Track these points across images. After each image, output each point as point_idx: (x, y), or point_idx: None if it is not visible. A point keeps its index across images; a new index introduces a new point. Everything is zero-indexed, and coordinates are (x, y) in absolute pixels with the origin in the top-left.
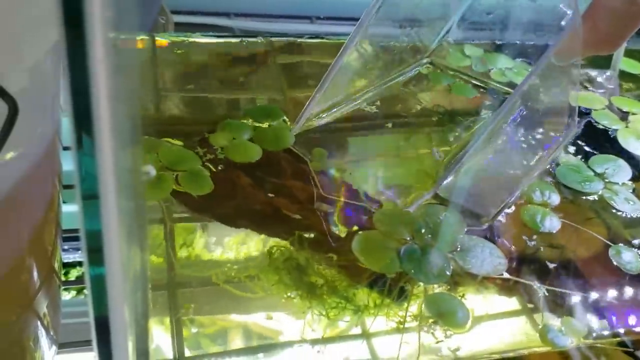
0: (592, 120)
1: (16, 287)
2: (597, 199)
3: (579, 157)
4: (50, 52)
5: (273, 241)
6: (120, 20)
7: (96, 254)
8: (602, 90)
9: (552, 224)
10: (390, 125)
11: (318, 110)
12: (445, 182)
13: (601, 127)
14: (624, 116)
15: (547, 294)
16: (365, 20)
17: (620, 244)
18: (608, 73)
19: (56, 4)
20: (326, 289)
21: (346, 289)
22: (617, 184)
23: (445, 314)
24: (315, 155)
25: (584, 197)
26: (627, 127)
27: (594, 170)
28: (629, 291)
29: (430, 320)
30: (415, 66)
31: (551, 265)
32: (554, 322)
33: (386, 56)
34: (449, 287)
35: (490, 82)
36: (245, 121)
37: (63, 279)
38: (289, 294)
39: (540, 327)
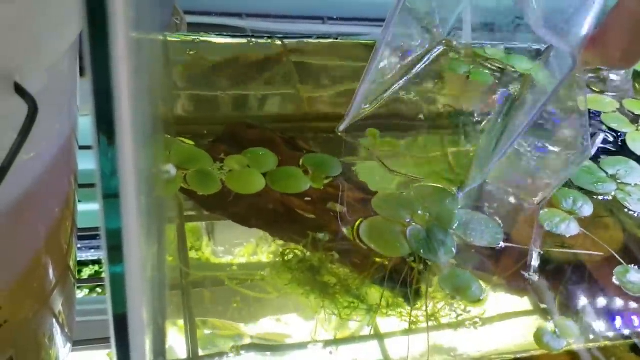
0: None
1: (33, 285)
2: (610, 199)
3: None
4: (68, 52)
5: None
6: (141, 20)
7: (116, 252)
8: (613, 94)
9: (569, 228)
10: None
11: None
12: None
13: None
14: (634, 119)
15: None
16: (391, 20)
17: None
18: (622, 72)
19: (80, 4)
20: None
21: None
22: (630, 185)
23: (461, 289)
24: (370, 134)
25: (597, 198)
26: (637, 130)
27: (605, 172)
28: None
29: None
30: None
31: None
32: None
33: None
34: (456, 262)
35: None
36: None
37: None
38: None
39: None
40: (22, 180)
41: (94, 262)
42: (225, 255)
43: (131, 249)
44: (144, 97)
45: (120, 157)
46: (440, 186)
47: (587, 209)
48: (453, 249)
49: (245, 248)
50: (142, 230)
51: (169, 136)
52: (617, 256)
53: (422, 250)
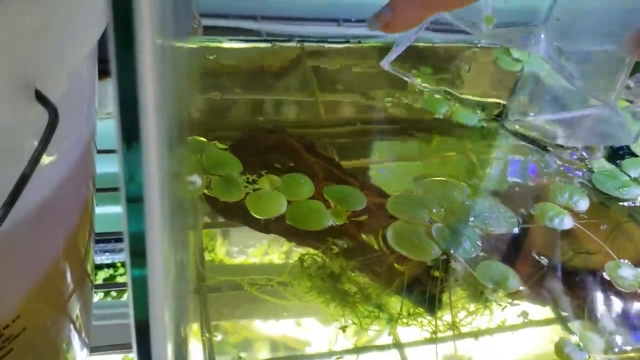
0: None
1: (51, 291)
2: (638, 204)
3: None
4: (87, 57)
5: None
6: (167, 27)
7: (139, 257)
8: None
9: (563, 223)
10: None
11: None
12: None
13: None
14: None
15: None
16: None
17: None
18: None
19: (106, 10)
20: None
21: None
22: None
23: (500, 281)
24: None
25: (622, 204)
26: None
27: (628, 175)
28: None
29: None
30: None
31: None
32: None
33: None
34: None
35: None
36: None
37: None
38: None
39: None
40: (42, 187)
41: (108, 266)
42: (240, 256)
43: (154, 254)
44: (169, 102)
45: (145, 161)
46: (444, 179)
47: (583, 203)
48: (478, 242)
49: (258, 250)
50: (165, 235)
51: (203, 139)
52: (611, 252)
53: (451, 249)
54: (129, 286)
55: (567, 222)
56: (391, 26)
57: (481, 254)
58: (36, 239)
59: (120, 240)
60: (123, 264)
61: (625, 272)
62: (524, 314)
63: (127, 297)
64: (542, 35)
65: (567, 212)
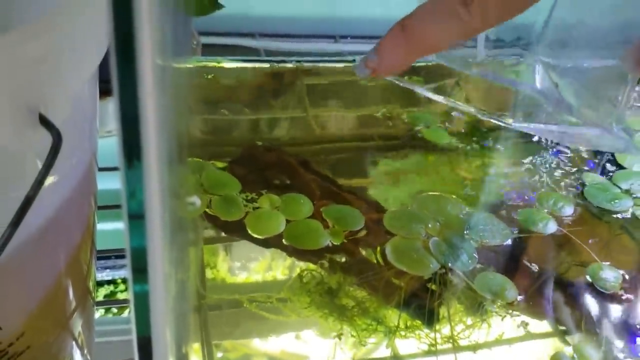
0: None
1: (54, 309)
2: (629, 216)
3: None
4: (89, 79)
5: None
6: (167, 46)
7: (140, 272)
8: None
9: (548, 227)
10: None
11: None
12: None
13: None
14: None
15: None
16: None
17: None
18: None
19: (109, 31)
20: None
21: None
22: None
23: (498, 292)
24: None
25: (615, 216)
26: None
27: (619, 187)
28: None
29: (490, 300)
30: None
31: None
32: None
33: None
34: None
35: None
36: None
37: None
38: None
39: None
40: (45, 208)
41: (109, 282)
42: (242, 272)
43: (156, 270)
44: (170, 121)
45: (146, 178)
46: (438, 193)
47: (568, 209)
48: (474, 254)
49: (261, 264)
50: (166, 251)
51: (200, 160)
52: (595, 256)
53: (449, 262)
54: (130, 302)
55: (552, 227)
56: (378, 72)
57: (478, 265)
58: (39, 258)
59: (120, 256)
60: (124, 281)
61: (607, 274)
62: (523, 324)
63: (128, 313)
64: (537, 66)
65: (552, 218)
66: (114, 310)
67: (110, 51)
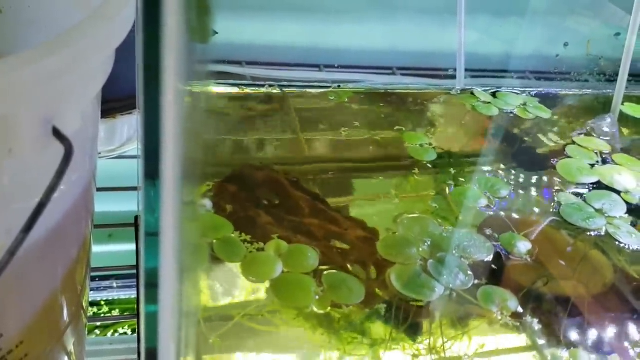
0: None
1: (48, 322)
2: (603, 234)
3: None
4: (93, 99)
5: None
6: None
7: (152, 289)
8: (607, 138)
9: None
10: None
11: None
12: None
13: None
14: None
15: None
16: None
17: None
18: (608, 119)
19: (137, 59)
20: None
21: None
22: (616, 217)
23: (502, 302)
24: None
25: (590, 234)
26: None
27: (593, 207)
28: None
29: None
30: None
31: None
32: None
33: None
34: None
35: None
36: None
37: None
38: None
39: None
40: (47, 220)
41: (92, 304)
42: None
43: (166, 288)
44: (187, 141)
45: (163, 198)
46: (420, 215)
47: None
48: (468, 271)
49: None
50: (177, 268)
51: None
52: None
53: (450, 283)
54: (141, 315)
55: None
56: None
57: (476, 281)
58: (40, 269)
59: (105, 277)
60: (107, 302)
61: (521, 245)
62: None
63: (137, 327)
64: None
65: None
66: (97, 332)
67: (138, 76)
